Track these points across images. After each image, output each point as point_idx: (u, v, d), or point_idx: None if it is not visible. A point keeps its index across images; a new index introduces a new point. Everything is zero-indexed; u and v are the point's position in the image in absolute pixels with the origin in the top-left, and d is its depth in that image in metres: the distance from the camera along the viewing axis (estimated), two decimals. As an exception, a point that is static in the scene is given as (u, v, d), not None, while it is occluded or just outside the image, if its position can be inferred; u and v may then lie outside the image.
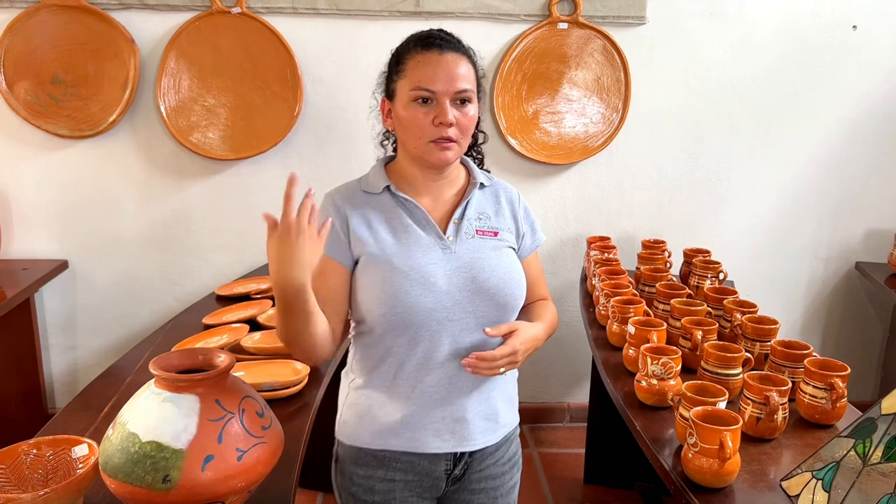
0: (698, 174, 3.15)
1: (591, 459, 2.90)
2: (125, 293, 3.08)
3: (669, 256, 2.78)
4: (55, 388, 3.18)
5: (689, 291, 2.34)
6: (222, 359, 1.29)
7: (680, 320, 2.06)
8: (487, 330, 1.35)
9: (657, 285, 2.35)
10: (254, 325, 2.24)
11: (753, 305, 2.13)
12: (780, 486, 1.49)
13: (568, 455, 3.12)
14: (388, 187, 1.42)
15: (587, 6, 2.89)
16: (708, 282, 2.52)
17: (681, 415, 1.60)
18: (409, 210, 1.41)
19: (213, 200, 3.00)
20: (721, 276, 2.54)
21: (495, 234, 1.44)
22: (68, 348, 3.13)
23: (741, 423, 1.47)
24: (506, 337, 1.37)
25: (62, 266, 2.97)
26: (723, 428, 1.42)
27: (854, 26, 3.03)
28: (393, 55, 1.41)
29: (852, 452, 1.38)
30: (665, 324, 2.03)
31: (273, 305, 2.37)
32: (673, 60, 3.01)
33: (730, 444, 1.41)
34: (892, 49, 3.07)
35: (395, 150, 1.51)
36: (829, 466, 1.41)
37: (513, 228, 1.49)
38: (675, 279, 2.57)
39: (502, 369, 1.35)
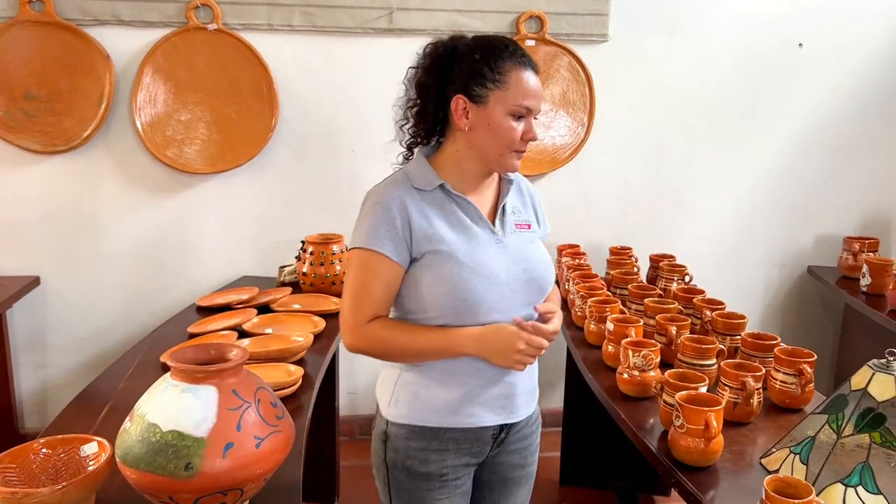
0: (661, 185, 3.29)
1: (567, 461, 2.97)
2: (98, 310, 3.06)
3: (637, 262, 2.90)
4: (24, 408, 3.13)
5: (660, 292, 2.45)
6: (235, 352, 1.33)
7: (654, 318, 2.16)
8: (539, 307, 1.50)
9: (629, 287, 2.46)
10: (239, 333, 2.27)
11: (721, 303, 2.25)
12: (760, 463, 1.58)
13: (542, 458, 3.15)
14: (442, 185, 1.48)
15: (553, 24, 3.02)
16: (675, 284, 2.64)
17: (665, 401, 1.69)
18: (463, 207, 1.49)
19: (188, 215, 3.02)
20: (687, 278, 2.66)
21: (528, 226, 1.57)
22: (39, 367, 3.09)
23: (723, 403, 1.57)
24: (544, 316, 1.50)
25: (34, 283, 2.94)
26: (707, 409, 1.52)
27: (800, 44, 3.23)
28: (482, 60, 1.43)
29: (826, 427, 1.49)
30: (641, 321, 2.13)
31: (257, 314, 2.40)
32: (635, 76, 3.16)
33: (714, 423, 1.50)
34: (835, 66, 3.27)
35: (420, 142, 1.54)
36: (806, 441, 1.51)
37: (535, 219, 1.63)
38: (643, 283, 2.68)
39: (544, 339, 1.46)
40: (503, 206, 1.54)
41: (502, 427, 1.56)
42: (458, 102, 1.44)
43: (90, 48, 2.79)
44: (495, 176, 1.57)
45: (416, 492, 1.52)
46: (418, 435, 1.50)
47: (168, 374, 1.30)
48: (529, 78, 1.43)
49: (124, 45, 2.84)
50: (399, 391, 1.52)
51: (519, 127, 1.44)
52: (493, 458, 1.60)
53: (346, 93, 3.00)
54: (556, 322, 1.51)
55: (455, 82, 1.44)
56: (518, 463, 1.64)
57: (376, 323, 1.45)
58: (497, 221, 1.52)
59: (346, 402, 3.28)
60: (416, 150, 1.56)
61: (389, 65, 2.98)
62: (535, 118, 1.49)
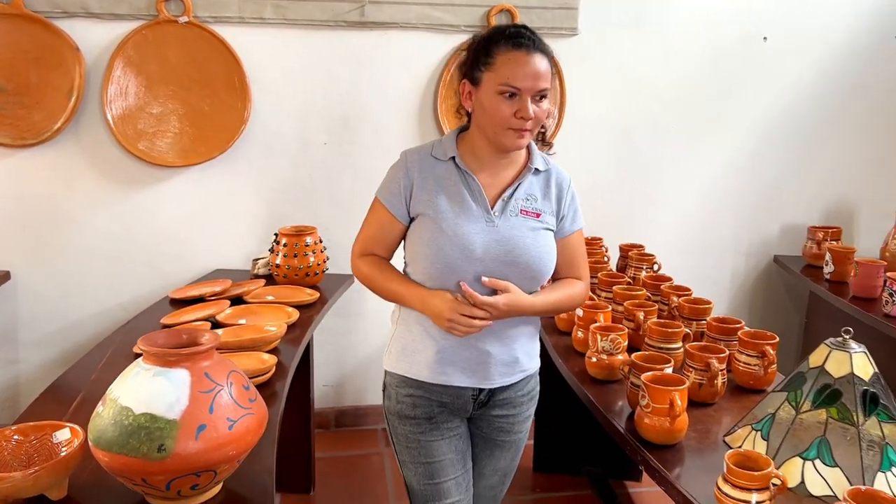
0: (629, 176, 3.34)
1: (540, 448, 3.01)
2: (70, 304, 3.04)
3: (607, 251, 2.94)
4: (-5, 404, 3.10)
5: (629, 280, 2.50)
6: (207, 337, 1.35)
7: (622, 304, 2.21)
8: (484, 279, 1.55)
9: (599, 275, 2.50)
10: (213, 324, 2.27)
11: (688, 289, 2.30)
12: (724, 440, 1.63)
13: (516, 447, 3.22)
14: (453, 157, 1.61)
15: (523, 18, 3.05)
16: (644, 272, 2.69)
17: (632, 382, 1.73)
18: (467, 182, 1.61)
19: (160, 208, 3.00)
20: (655, 266, 2.71)
21: (537, 215, 1.63)
22: (10, 362, 3.06)
23: (687, 383, 1.61)
24: (500, 292, 1.56)
25: (4, 277, 2.91)
26: (672, 388, 1.56)
27: (764, 38, 3.29)
28: (480, 44, 1.56)
29: (786, 404, 1.54)
30: (609, 307, 2.18)
31: (231, 305, 2.42)
32: (603, 69, 3.20)
33: (679, 402, 1.55)
34: (797, 59, 3.34)
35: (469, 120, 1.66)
36: (766, 419, 1.56)
37: (555, 211, 1.67)
38: (613, 271, 2.73)
39: (479, 312, 1.54)
40: (513, 191, 1.61)
41: (481, 390, 1.67)
42: (464, 87, 1.59)
43: (59, 41, 2.77)
44: (518, 160, 1.65)
45: (409, 435, 1.68)
46: (406, 383, 1.67)
47: (140, 358, 1.31)
48: (521, 59, 1.50)
49: (94, 37, 2.81)
50: (393, 344, 1.71)
51: (509, 106, 1.51)
52: (479, 416, 1.73)
53: (319, 85, 3.01)
54: (499, 298, 1.54)
55: (463, 69, 1.60)
56: (503, 428, 1.75)
57: (366, 259, 1.68)
58: (499, 202, 1.60)
59: (321, 394, 3.29)
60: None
61: (361, 58, 3.02)
62: (539, 98, 1.53)
